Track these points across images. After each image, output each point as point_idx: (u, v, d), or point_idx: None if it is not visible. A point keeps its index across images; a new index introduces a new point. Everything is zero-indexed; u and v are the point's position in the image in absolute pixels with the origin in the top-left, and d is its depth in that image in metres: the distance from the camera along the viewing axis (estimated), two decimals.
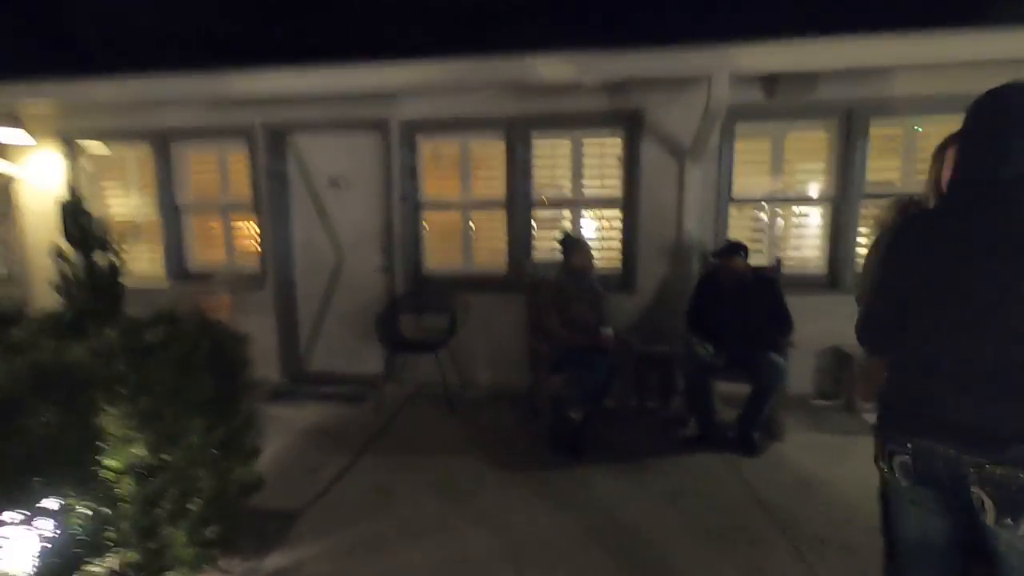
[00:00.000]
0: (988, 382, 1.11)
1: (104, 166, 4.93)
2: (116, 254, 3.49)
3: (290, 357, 4.79)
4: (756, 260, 3.82)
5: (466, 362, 4.48)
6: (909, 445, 1.23)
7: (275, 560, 2.30)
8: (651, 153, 4.09)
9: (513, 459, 3.22)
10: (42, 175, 4.81)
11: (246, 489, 2.28)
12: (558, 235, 3.91)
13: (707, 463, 3.14)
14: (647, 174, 4.11)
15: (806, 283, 4.09)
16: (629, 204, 4.22)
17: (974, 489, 1.11)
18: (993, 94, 1.21)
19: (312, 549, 2.37)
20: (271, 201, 4.58)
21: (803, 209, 4.20)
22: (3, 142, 4.68)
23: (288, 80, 3.94)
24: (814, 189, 4.15)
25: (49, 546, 1.60)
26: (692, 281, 3.91)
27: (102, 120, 4.63)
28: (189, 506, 1.93)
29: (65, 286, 3.43)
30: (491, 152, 4.43)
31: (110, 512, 1.69)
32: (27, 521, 1.57)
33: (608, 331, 3.42)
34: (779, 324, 3.37)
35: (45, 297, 3.81)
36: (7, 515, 1.54)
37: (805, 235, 4.23)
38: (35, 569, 1.58)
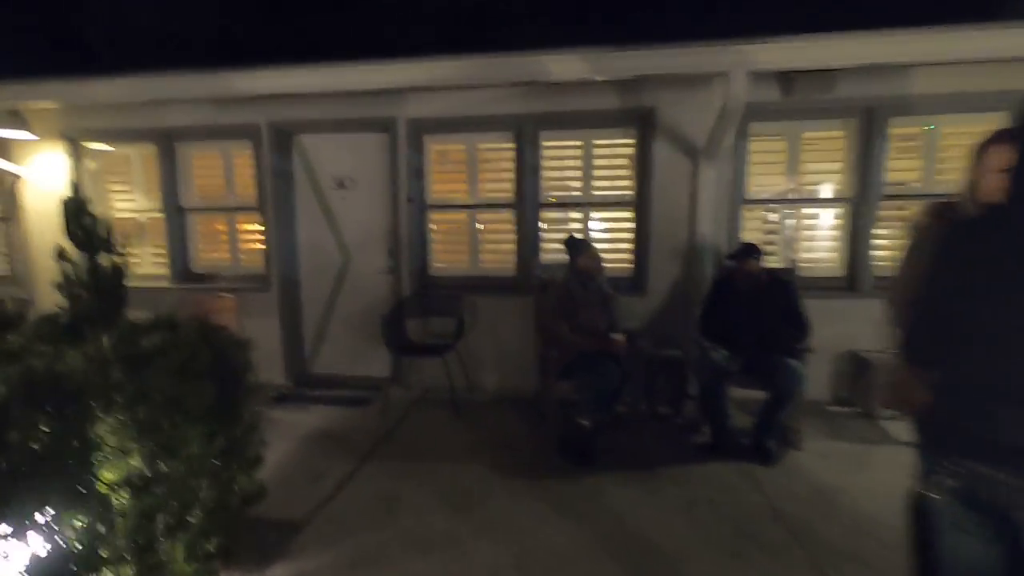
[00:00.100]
0: None
1: (108, 166, 4.89)
2: (120, 255, 3.46)
3: (294, 360, 4.73)
4: (771, 262, 3.73)
5: (473, 366, 4.40)
6: (956, 467, 1.14)
7: (277, 572, 2.23)
8: (664, 153, 4.00)
9: (521, 466, 3.14)
10: (47, 175, 4.78)
11: (248, 499, 2.22)
12: (564, 237, 3.81)
13: (721, 472, 3.05)
14: (659, 174, 4.02)
15: (822, 286, 3.99)
16: (641, 205, 4.13)
17: None
18: None
19: (315, 561, 2.30)
20: (276, 201, 4.52)
21: (819, 210, 4.10)
22: (8, 140, 4.66)
23: (294, 79, 3.88)
24: (831, 190, 4.04)
25: (40, 562, 1.53)
26: (705, 284, 3.82)
27: (106, 119, 4.60)
28: (188, 518, 1.87)
29: (68, 287, 3.40)
30: (499, 152, 4.36)
31: (104, 527, 1.62)
32: (17, 536, 1.50)
33: (619, 335, 3.34)
34: (795, 328, 3.27)
35: (50, 298, 3.77)
36: None
37: (821, 237, 4.12)
38: None
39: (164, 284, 4.75)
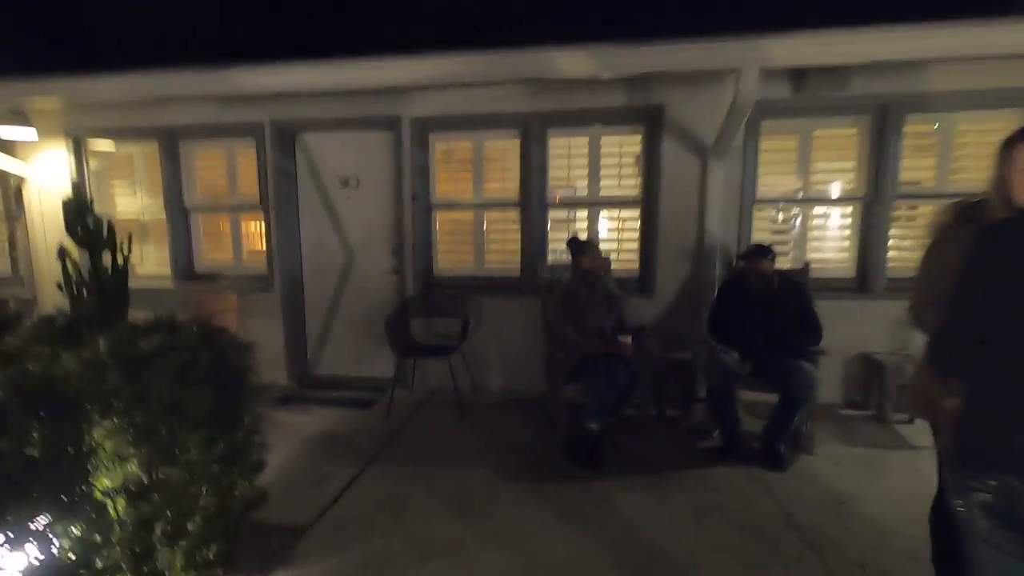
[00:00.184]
0: None
1: (112, 165, 4.86)
2: (123, 255, 3.41)
3: (298, 360, 4.69)
4: (782, 263, 3.66)
5: (478, 367, 4.35)
6: (992, 482, 1.08)
7: None
8: (672, 151, 3.93)
9: (528, 471, 3.08)
10: (50, 174, 4.76)
11: (249, 505, 2.17)
12: (567, 237, 3.75)
13: (733, 477, 2.98)
14: (668, 173, 3.95)
15: (834, 286, 3.91)
16: (648, 204, 4.07)
17: None
18: None
19: (318, 568, 2.25)
20: (279, 201, 4.48)
21: (831, 209, 4.02)
22: (11, 139, 4.63)
23: (297, 76, 3.83)
24: (843, 189, 3.96)
25: (34, 572, 1.49)
26: (714, 285, 3.76)
27: (110, 118, 4.56)
28: (188, 526, 1.82)
29: (69, 287, 3.36)
30: (505, 150, 4.30)
31: (100, 535, 1.58)
32: (10, 545, 1.45)
33: (627, 338, 3.27)
34: (807, 330, 3.21)
35: (54, 298, 3.74)
36: None
37: (833, 237, 4.05)
38: None
39: (167, 284, 4.72)
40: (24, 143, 4.72)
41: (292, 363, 4.62)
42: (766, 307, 3.24)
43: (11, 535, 1.43)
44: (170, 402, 1.73)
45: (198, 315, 4.12)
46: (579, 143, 4.18)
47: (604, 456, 3.11)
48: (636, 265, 4.19)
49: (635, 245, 4.20)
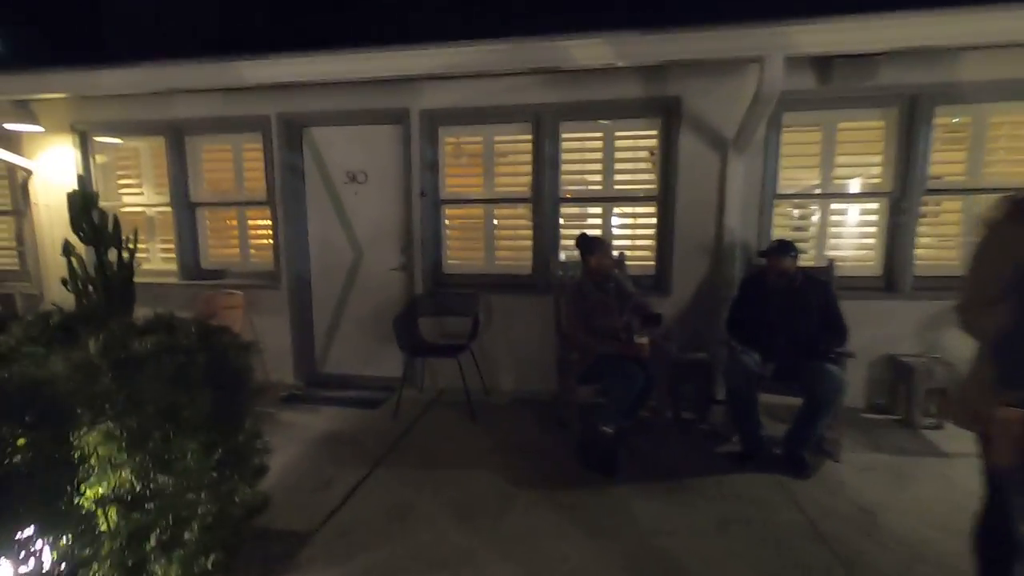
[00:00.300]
0: None
1: (117, 159, 4.81)
2: (129, 251, 3.34)
3: (305, 359, 4.61)
4: (805, 260, 3.51)
5: (489, 367, 4.24)
6: None
7: None
8: (690, 145, 3.79)
9: (539, 475, 2.97)
10: (56, 168, 4.71)
11: (250, 511, 2.08)
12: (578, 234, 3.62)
13: (753, 484, 2.85)
14: (686, 167, 3.82)
15: (859, 285, 3.76)
16: (665, 199, 3.93)
17: None
18: None
19: None
20: (286, 196, 4.39)
21: (856, 205, 3.86)
22: (17, 133, 4.60)
23: (304, 67, 3.74)
24: (869, 183, 3.80)
25: None
26: (734, 283, 3.62)
27: (115, 111, 4.51)
28: (184, 535, 1.73)
29: (75, 284, 3.29)
30: (517, 144, 4.18)
31: (90, 547, 1.49)
32: None
33: (643, 338, 3.14)
34: (832, 331, 3.06)
35: (60, 294, 3.68)
36: None
37: (858, 233, 3.89)
38: None
39: (172, 280, 4.66)
40: (30, 137, 4.68)
41: (299, 361, 4.55)
42: (788, 306, 3.10)
43: None
44: (165, 405, 1.64)
45: (203, 312, 4.08)
46: (593, 136, 4.05)
47: (619, 461, 2.99)
48: (652, 263, 4.06)
49: (651, 242, 4.07)
